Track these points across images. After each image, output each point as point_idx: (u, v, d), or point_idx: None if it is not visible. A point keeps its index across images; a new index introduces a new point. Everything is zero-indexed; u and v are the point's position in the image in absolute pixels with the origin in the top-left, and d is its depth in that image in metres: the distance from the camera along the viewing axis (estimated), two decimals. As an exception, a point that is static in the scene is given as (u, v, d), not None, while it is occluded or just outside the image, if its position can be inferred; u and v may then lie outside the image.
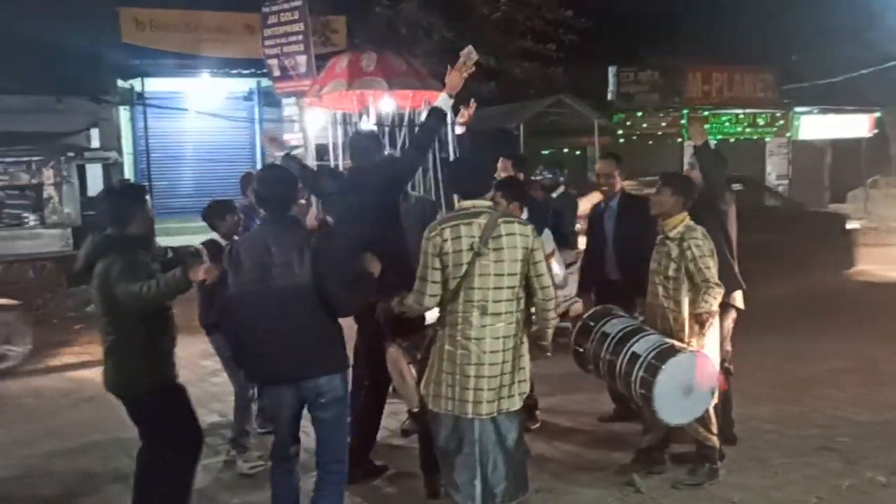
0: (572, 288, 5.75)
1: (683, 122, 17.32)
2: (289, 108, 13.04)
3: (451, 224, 3.58)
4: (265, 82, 12.94)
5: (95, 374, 7.20)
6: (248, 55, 12.79)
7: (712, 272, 4.35)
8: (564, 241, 6.19)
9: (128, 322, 3.68)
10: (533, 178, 6.99)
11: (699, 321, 4.34)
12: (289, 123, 13.17)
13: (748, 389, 5.91)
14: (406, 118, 8.21)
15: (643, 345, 4.31)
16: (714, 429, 4.53)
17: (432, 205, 5.99)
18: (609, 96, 17.40)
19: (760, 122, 18.86)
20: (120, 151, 12.51)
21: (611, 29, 15.12)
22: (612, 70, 17.35)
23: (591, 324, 4.66)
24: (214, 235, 5.12)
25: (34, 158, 10.21)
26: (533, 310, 3.73)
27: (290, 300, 3.54)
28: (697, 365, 4.25)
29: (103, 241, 3.79)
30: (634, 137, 16.82)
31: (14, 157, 10.19)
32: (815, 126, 19.54)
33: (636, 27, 15.77)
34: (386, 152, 6.26)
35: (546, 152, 16.72)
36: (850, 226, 11.75)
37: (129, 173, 12.79)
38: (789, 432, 5.35)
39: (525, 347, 3.67)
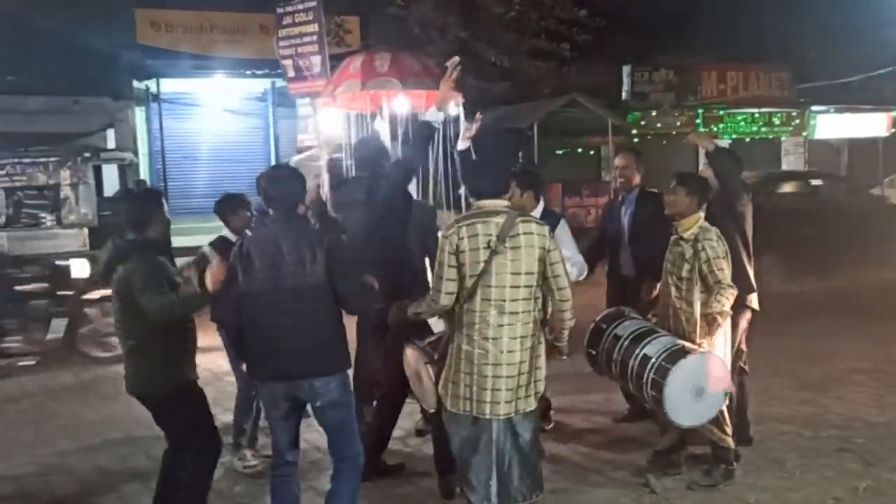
0: None
1: (698, 121, 17.22)
2: (303, 108, 13.08)
3: (468, 222, 3.59)
4: (279, 83, 12.98)
5: (111, 373, 7.34)
6: (262, 55, 12.83)
7: (725, 273, 4.33)
8: None
9: (147, 325, 3.71)
10: None
11: (711, 322, 4.33)
12: (303, 124, 13.22)
13: (764, 390, 5.88)
14: (420, 118, 8.22)
15: (654, 346, 4.31)
16: (728, 430, 4.51)
17: (430, 209, 5.95)
18: (623, 96, 17.33)
19: (776, 121, 18.72)
20: (135, 152, 12.60)
21: (625, 28, 15.07)
22: (626, 69, 17.27)
23: (604, 326, 4.65)
24: (226, 232, 5.13)
25: (51, 159, 10.32)
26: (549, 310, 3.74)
27: (301, 299, 3.56)
28: (708, 367, 4.23)
29: (124, 245, 3.84)
30: (649, 137, 16.72)
31: (31, 157, 10.30)
32: (832, 125, 19.37)
33: (650, 26, 15.71)
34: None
35: (560, 152, 16.70)
36: None
37: (144, 174, 12.87)
38: (806, 433, 5.31)
39: (542, 348, 3.67)
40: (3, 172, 10.14)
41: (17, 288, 8.14)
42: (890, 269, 10.86)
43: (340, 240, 4.43)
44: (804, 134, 19.28)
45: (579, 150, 17.21)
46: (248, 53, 13.21)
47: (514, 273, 3.53)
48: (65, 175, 10.31)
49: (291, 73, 10.41)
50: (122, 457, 5.35)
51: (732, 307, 4.46)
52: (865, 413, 5.71)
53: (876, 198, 13.93)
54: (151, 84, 13.12)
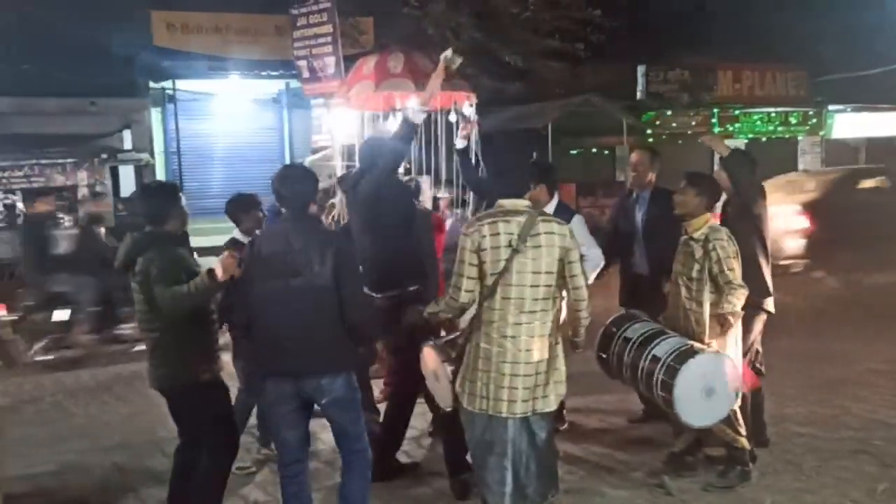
0: None
1: (714, 121, 17.13)
2: (317, 109, 13.13)
3: (490, 221, 3.60)
4: (294, 83, 13.01)
5: (129, 372, 7.40)
6: (277, 56, 12.89)
7: (736, 273, 4.31)
8: None
9: (168, 318, 3.74)
10: None
11: (722, 322, 4.30)
12: (317, 124, 13.26)
13: (781, 391, 5.85)
14: (433, 118, 8.24)
15: (663, 347, 4.30)
16: (742, 430, 4.48)
17: (425, 212, 5.94)
18: (638, 95, 17.25)
19: (793, 120, 18.59)
20: (152, 153, 12.69)
21: (640, 28, 15.00)
22: (640, 69, 17.19)
23: (613, 329, 4.65)
24: (236, 233, 5.13)
25: (69, 160, 10.45)
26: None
27: (308, 298, 3.58)
28: (718, 366, 4.21)
29: (143, 238, 3.86)
30: (664, 137, 16.63)
31: (49, 158, 10.42)
32: (849, 124, 19.22)
33: (665, 26, 15.63)
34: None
35: (574, 152, 16.64)
36: None
37: (160, 174, 12.95)
38: (823, 435, 5.28)
39: (560, 348, 3.67)
40: (22, 174, 10.28)
41: None
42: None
43: (352, 242, 4.45)
44: (821, 133, 19.14)
45: (594, 150, 17.16)
46: (262, 54, 13.26)
47: (534, 272, 3.54)
48: (82, 176, 10.44)
49: (306, 74, 10.44)
50: (138, 456, 5.38)
51: (747, 309, 4.44)
52: (884, 415, 5.66)
53: None
54: (167, 85, 13.20)
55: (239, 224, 5.15)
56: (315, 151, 11.99)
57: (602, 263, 5.13)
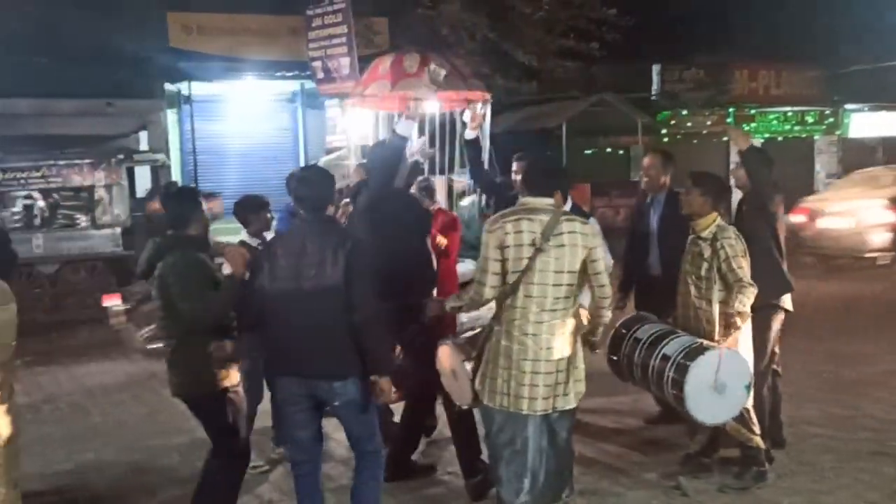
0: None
1: (729, 120, 17.03)
2: (331, 109, 13.16)
3: (514, 219, 3.61)
4: (309, 84, 13.06)
5: (147, 373, 7.44)
6: (292, 57, 12.93)
7: (745, 272, 4.29)
8: None
9: (188, 325, 3.74)
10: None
11: (731, 321, 4.28)
12: (331, 125, 13.30)
13: (797, 392, 5.81)
14: (448, 118, 8.24)
15: (673, 346, 4.29)
16: (756, 429, 4.46)
17: (426, 213, 5.92)
18: (653, 95, 17.20)
19: (809, 119, 18.48)
20: (167, 154, 12.76)
21: (655, 26, 14.94)
22: (656, 68, 17.13)
23: (623, 331, 4.65)
24: (244, 235, 5.12)
25: (86, 161, 10.52)
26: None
27: (321, 300, 3.56)
28: (727, 362, 4.17)
29: (165, 241, 3.89)
30: (679, 136, 16.58)
31: (67, 159, 10.50)
32: (866, 124, 19.09)
33: (681, 25, 15.57)
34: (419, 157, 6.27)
35: (589, 152, 16.60)
36: None
37: (176, 175, 13.02)
38: (840, 436, 5.24)
39: (580, 346, 3.68)
40: (40, 174, 10.36)
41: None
42: None
43: (366, 246, 4.46)
44: (838, 133, 19.01)
45: (608, 149, 17.11)
46: (277, 55, 13.30)
47: (556, 271, 3.55)
48: (99, 176, 10.51)
49: (320, 75, 10.48)
50: (156, 456, 5.41)
51: (764, 308, 4.41)
52: (902, 416, 5.62)
53: None
54: (183, 86, 13.27)
55: (247, 226, 5.13)
56: (329, 152, 12.01)
57: (611, 269, 5.10)
